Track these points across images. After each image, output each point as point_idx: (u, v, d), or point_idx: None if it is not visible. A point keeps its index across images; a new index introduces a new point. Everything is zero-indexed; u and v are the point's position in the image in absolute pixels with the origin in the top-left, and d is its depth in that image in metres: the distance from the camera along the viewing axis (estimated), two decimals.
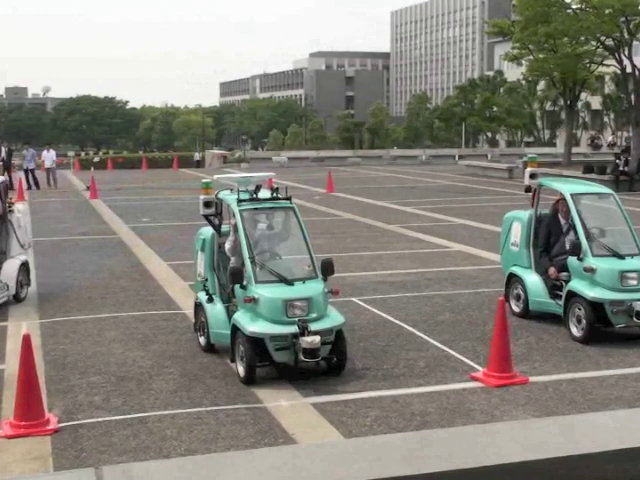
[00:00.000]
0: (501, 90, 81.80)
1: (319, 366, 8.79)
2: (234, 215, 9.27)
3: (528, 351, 9.88)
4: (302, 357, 8.41)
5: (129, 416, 7.82)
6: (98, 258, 16.43)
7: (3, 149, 32.83)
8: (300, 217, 9.37)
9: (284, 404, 8.14)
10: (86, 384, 8.73)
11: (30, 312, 11.95)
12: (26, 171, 33.17)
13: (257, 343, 8.60)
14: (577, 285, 10.39)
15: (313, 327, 8.50)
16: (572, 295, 10.42)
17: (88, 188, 29.90)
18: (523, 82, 69.52)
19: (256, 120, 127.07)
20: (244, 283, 8.80)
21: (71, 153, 73.54)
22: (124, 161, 57.59)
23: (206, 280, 9.90)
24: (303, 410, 8.04)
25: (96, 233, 20.08)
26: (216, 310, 9.58)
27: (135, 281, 14.16)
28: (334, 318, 8.90)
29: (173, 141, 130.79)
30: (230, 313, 9.30)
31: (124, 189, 32.32)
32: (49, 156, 33.75)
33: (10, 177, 32.86)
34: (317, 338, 8.38)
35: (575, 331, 10.34)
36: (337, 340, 8.81)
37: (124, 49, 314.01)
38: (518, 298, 11.50)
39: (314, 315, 8.66)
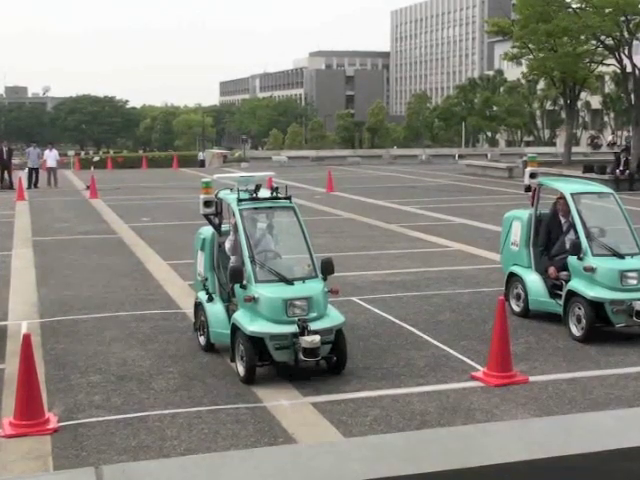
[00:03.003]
0: (501, 89, 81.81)
1: (319, 365, 8.80)
2: (234, 214, 9.28)
3: (528, 350, 9.88)
4: (302, 356, 8.43)
5: (129, 415, 7.83)
6: (98, 257, 16.43)
7: (3, 148, 32.73)
8: (300, 216, 9.39)
9: (284, 403, 8.14)
10: (86, 383, 8.73)
11: (30, 311, 11.95)
12: (31, 170, 33.04)
13: (257, 342, 8.60)
14: (577, 284, 10.39)
15: (313, 326, 8.51)
16: (572, 294, 10.42)
17: (88, 187, 29.85)
18: (523, 81, 69.54)
19: (256, 119, 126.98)
20: (244, 282, 8.81)
21: (71, 152, 73.34)
22: (124, 160, 57.32)
23: (206, 279, 9.90)
24: (303, 409, 8.04)
25: (96, 232, 20.08)
26: (216, 309, 9.59)
27: (135, 280, 14.16)
28: (334, 317, 8.92)
29: (173, 140, 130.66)
30: (230, 312, 9.30)
31: (124, 188, 32.30)
32: (51, 155, 33.57)
33: (10, 176, 32.81)
34: (317, 337, 8.39)
35: (575, 330, 10.35)
36: (337, 339, 8.82)
37: (125, 50, 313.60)
38: (518, 297, 11.51)
39: (314, 314, 8.68)
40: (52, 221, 22.27)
